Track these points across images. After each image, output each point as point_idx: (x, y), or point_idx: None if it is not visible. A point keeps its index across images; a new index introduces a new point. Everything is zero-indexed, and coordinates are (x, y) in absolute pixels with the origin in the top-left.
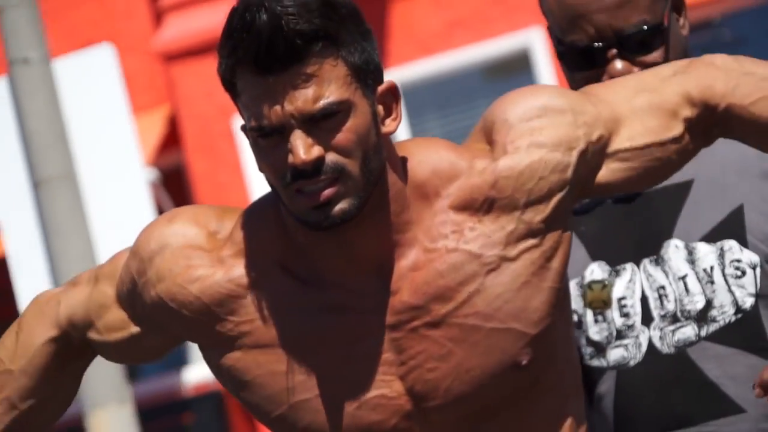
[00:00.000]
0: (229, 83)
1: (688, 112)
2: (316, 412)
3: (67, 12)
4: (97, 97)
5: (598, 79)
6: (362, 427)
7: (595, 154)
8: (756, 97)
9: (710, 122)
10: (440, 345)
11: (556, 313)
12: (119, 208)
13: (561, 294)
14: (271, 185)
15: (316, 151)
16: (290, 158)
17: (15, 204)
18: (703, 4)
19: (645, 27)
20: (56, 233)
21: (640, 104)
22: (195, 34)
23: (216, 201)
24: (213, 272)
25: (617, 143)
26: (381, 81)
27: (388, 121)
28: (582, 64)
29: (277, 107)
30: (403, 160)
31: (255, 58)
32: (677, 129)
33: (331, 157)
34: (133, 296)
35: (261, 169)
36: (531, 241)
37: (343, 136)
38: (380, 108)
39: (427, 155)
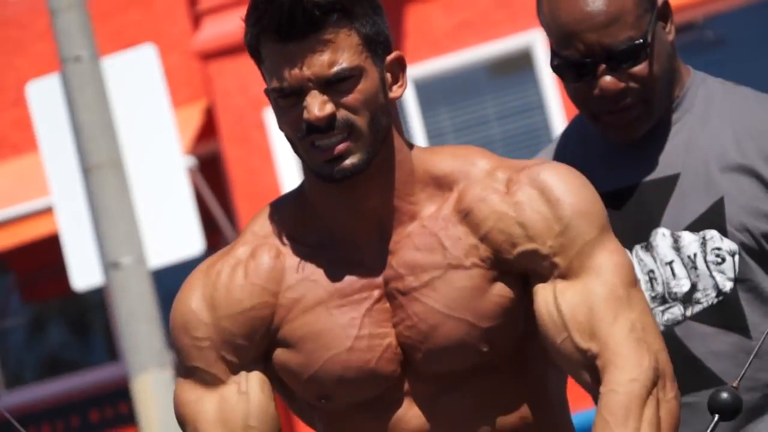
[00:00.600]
0: (254, 50)
1: (595, 348)
2: (345, 363)
3: (114, 15)
4: (140, 92)
5: (589, 89)
6: (374, 372)
7: (540, 265)
8: (610, 414)
9: (588, 375)
10: (409, 314)
11: (512, 315)
12: (161, 192)
13: (516, 316)
14: (289, 140)
15: (329, 107)
16: (305, 114)
17: (67, 188)
18: (687, 6)
19: (631, 43)
20: (104, 214)
21: (599, 293)
22: (229, 35)
23: (248, 185)
24: (245, 262)
25: (558, 286)
26: (390, 51)
27: (395, 87)
28: (574, 76)
29: (296, 71)
30: (437, 152)
31: (277, 27)
32: (582, 343)
33: (342, 114)
34: (213, 361)
35: (281, 127)
36: (480, 263)
37: (353, 97)
38: (388, 75)
39: (457, 158)
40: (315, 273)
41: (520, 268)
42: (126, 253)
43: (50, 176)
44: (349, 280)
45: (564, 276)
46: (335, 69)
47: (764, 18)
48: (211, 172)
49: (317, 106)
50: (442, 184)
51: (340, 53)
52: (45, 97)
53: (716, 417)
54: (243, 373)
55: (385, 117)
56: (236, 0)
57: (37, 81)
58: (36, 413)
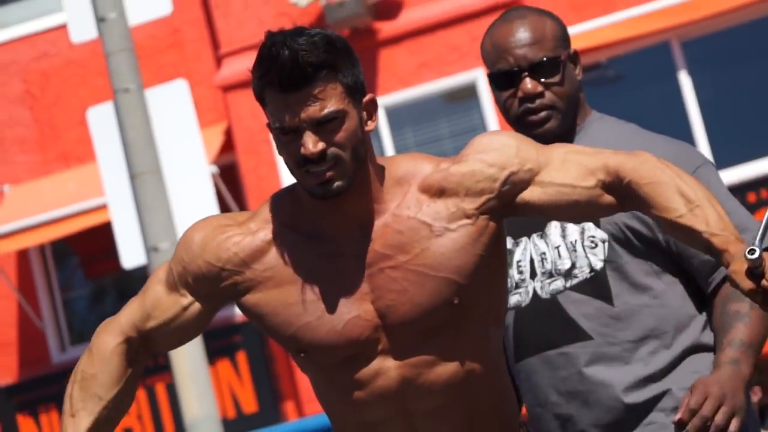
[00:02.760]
0: (260, 96)
1: (602, 175)
2: (315, 329)
3: (155, 56)
4: (175, 116)
5: (514, 96)
6: (347, 338)
7: (524, 177)
8: (650, 180)
9: (617, 190)
10: (398, 283)
11: (483, 270)
12: (191, 194)
13: (488, 259)
14: (289, 167)
15: (321, 145)
16: (302, 150)
17: (118, 190)
18: (593, 49)
19: (547, 58)
20: (146, 210)
21: (571, 158)
22: (244, 73)
23: (258, 189)
24: (245, 236)
25: (542, 176)
26: (365, 94)
27: (369, 122)
28: (505, 84)
29: (294, 115)
30: (393, 161)
31: (279, 81)
32: (589, 182)
33: (332, 150)
34: (183, 274)
35: (281, 155)
36: (466, 221)
37: (340, 136)
38: (364, 114)
39: (408, 161)
40: (297, 258)
41: (511, 193)
42: (163, 239)
43: (105, 181)
44: (329, 265)
45: (538, 173)
46: (324, 113)
47: (653, 60)
48: (229, 178)
49: (311, 143)
50: (401, 182)
51: (328, 100)
52: (101, 120)
53: None
54: (194, 298)
55: (362, 147)
56: (249, 45)
57: (96, 107)
58: None
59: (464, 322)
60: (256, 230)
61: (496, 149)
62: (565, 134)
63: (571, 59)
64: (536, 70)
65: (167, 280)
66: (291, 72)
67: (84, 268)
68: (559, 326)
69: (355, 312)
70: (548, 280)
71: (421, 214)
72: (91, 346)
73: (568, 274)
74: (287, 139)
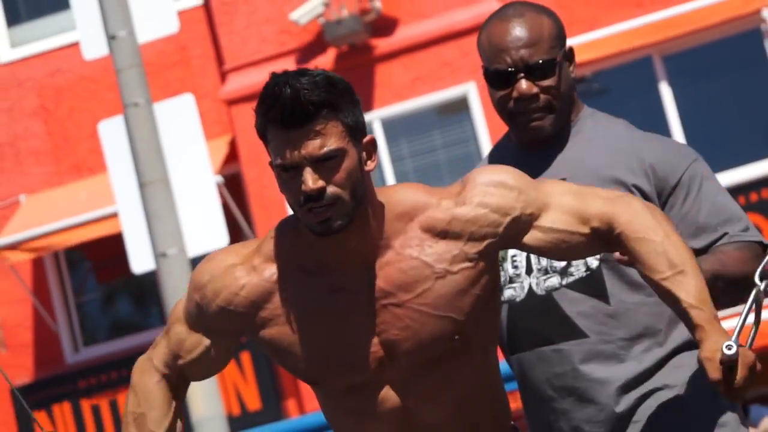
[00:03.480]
0: (262, 133)
1: (596, 223)
2: (326, 363)
3: (163, 72)
4: (182, 128)
5: (509, 96)
6: (356, 370)
7: (525, 221)
8: (640, 235)
9: (609, 238)
10: (401, 320)
11: (482, 307)
12: (197, 202)
13: (486, 295)
14: (290, 205)
15: (320, 183)
16: (303, 186)
17: (128, 199)
18: (579, 64)
19: (543, 61)
20: (154, 218)
21: (567, 203)
22: (248, 87)
23: (261, 198)
24: (251, 278)
25: (541, 220)
26: (365, 135)
27: (369, 162)
28: (501, 84)
29: (295, 152)
30: (393, 194)
31: (281, 119)
32: (585, 229)
33: (331, 189)
34: (200, 317)
35: (282, 192)
36: (467, 264)
37: (339, 175)
38: (364, 154)
39: (409, 194)
40: (304, 294)
41: (514, 238)
42: (171, 246)
43: (116, 190)
44: (334, 300)
45: (538, 217)
46: (324, 150)
47: (635, 74)
48: (234, 187)
49: (311, 180)
50: (402, 217)
51: (328, 138)
52: (112, 132)
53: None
54: (214, 337)
55: (362, 186)
56: (253, 61)
57: (107, 120)
58: (106, 363)
59: (464, 350)
60: (261, 269)
61: (499, 194)
62: (559, 131)
63: (567, 56)
64: (532, 71)
65: (186, 320)
66: (293, 109)
67: (96, 273)
68: (555, 323)
69: (362, 345)
70: (544, 277)
71: (423, 254)
72: (134, 388)
73: (563, 271)
74: (288, 176)
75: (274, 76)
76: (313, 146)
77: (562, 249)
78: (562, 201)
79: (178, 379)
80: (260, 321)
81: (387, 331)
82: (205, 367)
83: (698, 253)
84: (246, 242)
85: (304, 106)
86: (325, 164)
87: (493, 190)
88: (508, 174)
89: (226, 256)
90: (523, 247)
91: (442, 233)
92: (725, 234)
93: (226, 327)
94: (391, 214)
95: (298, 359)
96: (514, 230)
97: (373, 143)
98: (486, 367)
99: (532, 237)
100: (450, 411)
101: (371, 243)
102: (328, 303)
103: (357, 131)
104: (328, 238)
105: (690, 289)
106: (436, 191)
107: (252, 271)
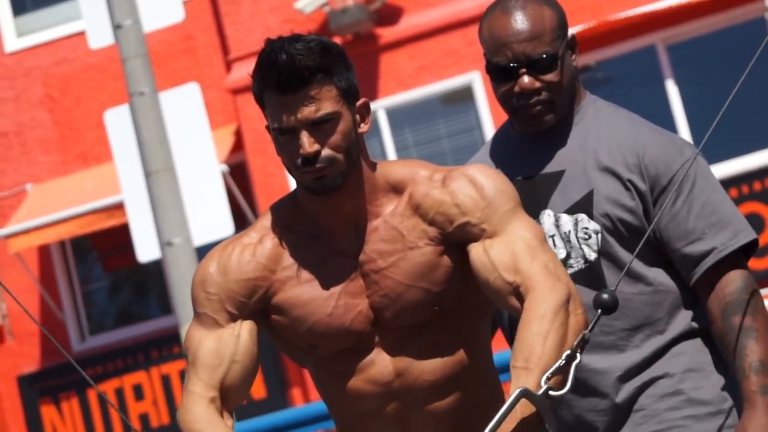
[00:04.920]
0: (259, 98)
1: (519, 280)
2: (326, 325)
3: (169, 61)
4: (187, 117)
5: (512, 89)
6: (353, 332)
7: (474, 233)
8: (529, 320)
9: (519, 302)
10: (380, 287)
11: (457, 279)
12: (203, 191)
13: (460, 269)
14: (286, 167)
15: (316, 146)
16: (300, 150)
17: (134, 188)
18: (583, 52)
19: (545, 55)
20: (160, 207)
21: (518, 246)
22: None
23: (266, 187)
24: (253, 246)
25: (489, 243)
26: (359, 98)
27: (362, 125)
28: (502, 78)
29: (291, 116)
30: (391, 166)
31: (277, 84)
32: (509, 278)
33: (327, 152)
34: (220, 307)
35: (279, 155)
36: (429, 242)
37: (334, 137)
38: (358, 116)
39: (407, 167)
40: (305, 257)
41: (459, 239)
42: (177, 234)
43: (122, 179)
44: (331, 263)
45: (490, 237)
46: (319, 114)
47: (640, 63)
48: (239, 176)
49: (308, 143)
50: (397, 188)
51: (323, 102)
52: (118, 122)
53: (599, 312)
54: (239, 321)
55: (356, 148)
56: (258, 50)
57: (113, 110)
58: (112, 351)
59: (451, 320)
60: (259, 238)
61: (471, 194)
62: (561, 121)
63: (569, 46)
64: (534, 66)
65: (206, 328)
66: (288, 74)
67: (102, 261)
68: None
69: (357, 308)
70: None
71: (401, 225)
72: (188, 425)
73: (563, 264)
74: (285, 139)
75: (270, 42)
76: (309, 110)
77: (482, 279)
78: (515, 242)
79: (222, 406)
80: (274, 285)
81: (373, 296)
82: (242, 367)
83: (692, 259)
84: (238, 234)
85: (299, 72)
86: (320, 127)
87: (469, 187)
88: (493, 184)
89: (219, 246)
90: (465, 255)
91: (416, 207)
92: (713, 249)
93: (246, 302)
94: (386, 183)
95: (301, 321)
96: (462, 233)
97: (366, 106)
98: (475, 341)
99: (473, 249)
100: (438, 377)
101: (364, 208)
102: (327, 265)
103: (351, 95)
104: (324, 200)
105: (522, 385)
106: (436, 168)
107: (250, 242)
